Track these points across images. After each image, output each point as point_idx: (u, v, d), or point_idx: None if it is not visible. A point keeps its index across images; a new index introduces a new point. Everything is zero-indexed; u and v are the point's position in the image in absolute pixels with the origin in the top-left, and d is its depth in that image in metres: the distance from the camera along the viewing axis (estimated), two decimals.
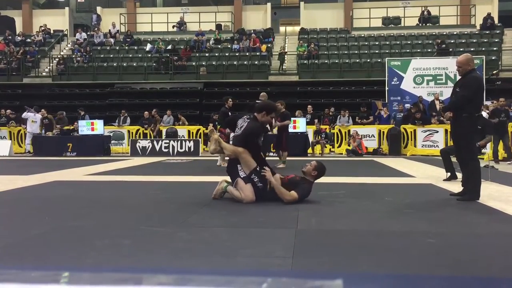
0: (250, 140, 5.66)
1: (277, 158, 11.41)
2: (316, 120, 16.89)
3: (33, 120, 17.17)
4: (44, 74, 23.52)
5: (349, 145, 15.96)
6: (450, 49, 20.98)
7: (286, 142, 11.26)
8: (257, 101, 11.57)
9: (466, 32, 23.82)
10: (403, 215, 5.00)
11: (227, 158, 6.38)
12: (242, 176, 5.63)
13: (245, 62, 22.04)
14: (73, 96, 22.01)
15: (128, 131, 17.81)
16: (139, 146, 16.28)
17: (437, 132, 15.79)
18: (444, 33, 22.45)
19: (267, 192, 5.61)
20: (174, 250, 3.55)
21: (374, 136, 16.73)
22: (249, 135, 5.71)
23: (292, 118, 15.90)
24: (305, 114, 17.59)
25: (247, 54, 22.68)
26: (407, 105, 17.56)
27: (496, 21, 24.46)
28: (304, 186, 5.65)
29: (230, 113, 11.75)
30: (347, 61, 21.61)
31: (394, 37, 23.89)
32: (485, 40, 22.76)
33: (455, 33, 23.64)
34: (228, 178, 5.94)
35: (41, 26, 26.57)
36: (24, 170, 10.16)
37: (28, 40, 25.54)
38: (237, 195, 5.61)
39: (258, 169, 5.64)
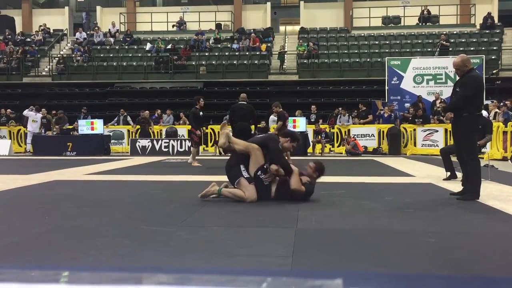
0: (270, 145, 5.71)
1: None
2: (321, 120, 16.79)
3: (34, 119, 17.18)
4: (44, 73, 23.50)
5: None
6: (450, 49, 20.97)
7: None
8: (240, 101, 10.85)
9: (466, 32, 23.80)
10: (402, 215, 5.00)
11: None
12: (245, 176, 5.65)
13: (245, 62, 22.03)
14: (73, 95, 22.01)
15: (128, 131, 17.80)
16: (139, 146, 16.26)
17: (437, 131, 15.77)
18: (444, 32, 22.42)
19: (270, 192, 5.68)
20: (174, 250, 3.56)
21: (374, 136, 16.71)
22: (270, 140, 5.83)
23: (292, 118, 15.92)
24: (309, 114, 17.54)
25: (247, 53, 22.66)
26: (407, 105, 17.55)
27: (496, 20, 24.43)
28: (309, 185, 5.78)
29: (201, 113, 11.59)
30: (347, 60, 21.60)
31: (394, 37, 23.87)
32: (485, 40, 22.74)
33: (455, 32, 23.61)
34: (220, 179, 5.95)
35: (40, 26, 26.55)
36: (24, 169, 10.15)
37: (28, 39, 25.51)
38: (240, 194, 5.60)
39: (265, 167, 5.69)
